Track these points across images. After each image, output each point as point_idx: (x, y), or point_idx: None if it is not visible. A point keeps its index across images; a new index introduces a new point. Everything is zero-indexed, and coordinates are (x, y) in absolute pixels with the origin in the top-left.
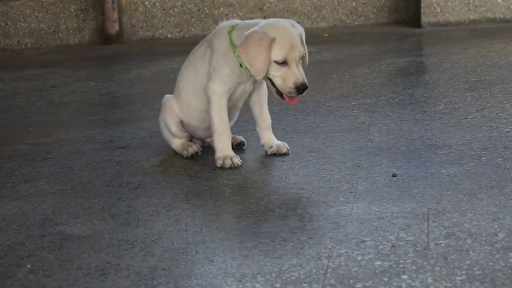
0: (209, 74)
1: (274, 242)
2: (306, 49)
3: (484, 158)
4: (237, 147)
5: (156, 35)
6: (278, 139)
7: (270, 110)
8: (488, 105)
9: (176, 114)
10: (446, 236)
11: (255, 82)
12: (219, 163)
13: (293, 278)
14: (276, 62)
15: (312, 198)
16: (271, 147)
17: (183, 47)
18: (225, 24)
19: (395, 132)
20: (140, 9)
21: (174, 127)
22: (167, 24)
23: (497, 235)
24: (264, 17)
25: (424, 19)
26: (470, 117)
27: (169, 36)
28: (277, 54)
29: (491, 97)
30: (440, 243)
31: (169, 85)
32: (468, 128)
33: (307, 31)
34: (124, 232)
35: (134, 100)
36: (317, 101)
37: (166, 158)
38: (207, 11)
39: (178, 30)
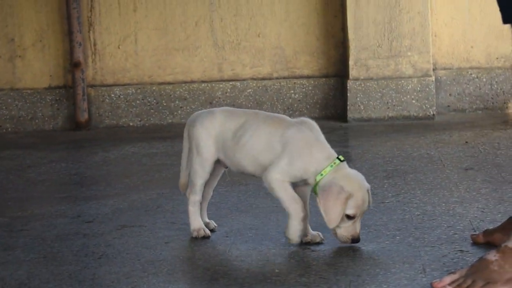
0: (271, 161)
1: None
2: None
3: (398, 237)
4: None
5: (120, 123)
6: (222, 217)
7: (215, 190)
8: (403, 191)
9: None
10: None
11: None
12: (296, 241)
13: None
14: (347, 216)
15: (251, 269)
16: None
17: (143, 134)
18: (312, 142)
19: None
20: (107, 100)
21: None
22: (129, 114)
23: None
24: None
25: (350, 115)
26: (387, 201)
27: (131, 124)
28: (351, 208)
29: (405, 184)
30: None
31: (131, 167)
32: (385, 211)
33: None
34: None
35: (100, 180)
36: (258, 184)
37: (127, 231)
38: (165, 104)
39: (139, 119)
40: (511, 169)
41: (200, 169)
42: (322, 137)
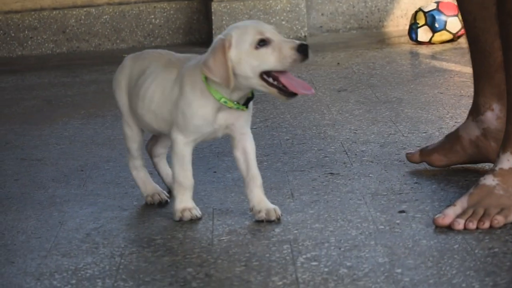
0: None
1: (71, 244)
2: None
3: (266, 163)
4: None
5: None
6: (77, 152)
7: (71, 123)
8: (271, 116)
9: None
10: (228, 233)
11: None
12: (177, 215)
13: (87, 275)
14: (258, 46)
15: (108, 202)
16: (259, 211)
17: None
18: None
19: None
20: None
21: None
22: None
23: (274, 230)
24: (67, 40)
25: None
26: (254, 127)
27: None
28: (242, 42)
29: (274, 109)
30: (223, 239)
31: None
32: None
33: (107, 52)
34: None
35: None
36: (116, 115)
37: None
38: (13, 34)
39: None
40: (385, 89)
41: (128, 131)
42: None
